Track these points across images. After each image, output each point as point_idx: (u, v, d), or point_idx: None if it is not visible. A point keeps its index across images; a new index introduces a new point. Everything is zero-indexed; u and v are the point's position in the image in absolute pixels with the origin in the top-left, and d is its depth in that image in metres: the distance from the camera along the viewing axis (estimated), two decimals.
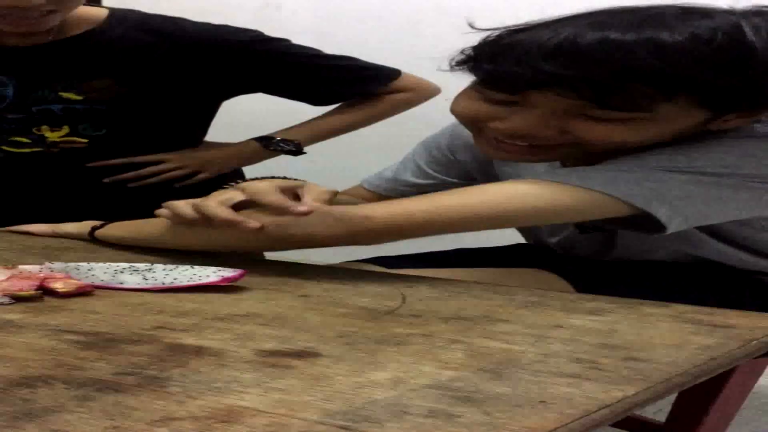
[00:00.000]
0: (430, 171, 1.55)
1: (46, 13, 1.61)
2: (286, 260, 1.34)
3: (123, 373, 0.76)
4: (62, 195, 1.78)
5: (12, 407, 0.66)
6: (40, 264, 1.15)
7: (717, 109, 1.19)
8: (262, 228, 1.17)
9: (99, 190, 1.80)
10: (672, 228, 1.19)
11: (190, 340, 0.87)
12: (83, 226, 1.45)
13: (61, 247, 1.37)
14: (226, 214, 1.17)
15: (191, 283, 1.08)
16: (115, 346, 0.84)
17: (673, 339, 0.91)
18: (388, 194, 1.55)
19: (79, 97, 1.73)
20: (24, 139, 1.73)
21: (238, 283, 1.10)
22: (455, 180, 1.54)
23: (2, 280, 1.06)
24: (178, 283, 1.08)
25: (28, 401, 0.68)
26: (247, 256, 1.44)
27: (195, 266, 1.12)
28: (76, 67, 1.73)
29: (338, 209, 1.19)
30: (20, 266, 1.13)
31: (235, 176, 1.85)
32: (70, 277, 1.09)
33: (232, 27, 1.84)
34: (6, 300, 1.00)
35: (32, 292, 1.02)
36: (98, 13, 1.78)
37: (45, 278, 1.07)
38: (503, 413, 0.67)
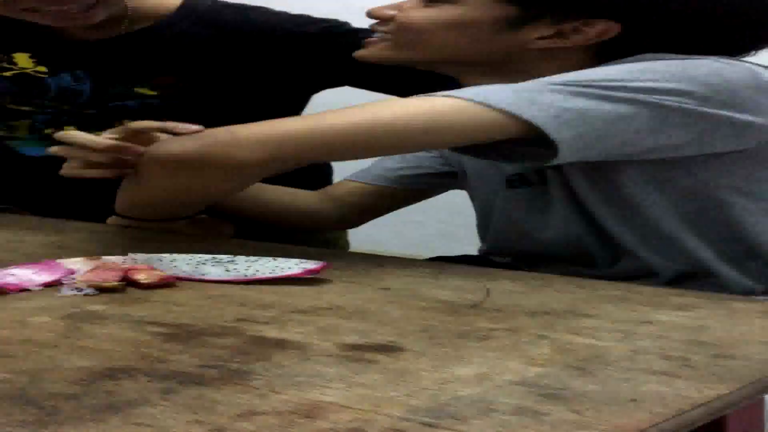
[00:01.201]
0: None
1: (87, 8, 1.60)
2: (366, 252, 1.33)
3: (206, 365, 0.75)
4: None
5: (96, 399, 0.66)
6: (124, 255, 1.16)
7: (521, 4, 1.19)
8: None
9: None
10: (565, 147, 1.13)
11: (272, 332, 0.86)
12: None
13: (143, 237, 1.38)
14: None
15: (273, 275, 1.08)
16: (197, 339, 0.84)
17: (764, 336, 0.88)
18: (376, 182, 1.53)
19: (153, 93, 1.71)
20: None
21: (319, 276, 1.09)
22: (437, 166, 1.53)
23: (87, 271, 1.07)
24: (259, 275, 1.08)
25: (112, 393, 0.68)
26: (328, 247, 1.44)
27: (277, 258, 1.12)
28: (145, 61, 1.71)
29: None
30: (104, 257, 1.14)
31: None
32: (153, 269, 1.09)
33: (308, 17, 1.78)
34: (90, 291, 1.01)
35: (115, 283, 1.03)
36: (170, 3, 1.75)
37: (128, 269, 1.07)
38: (592, 411, 0.65)
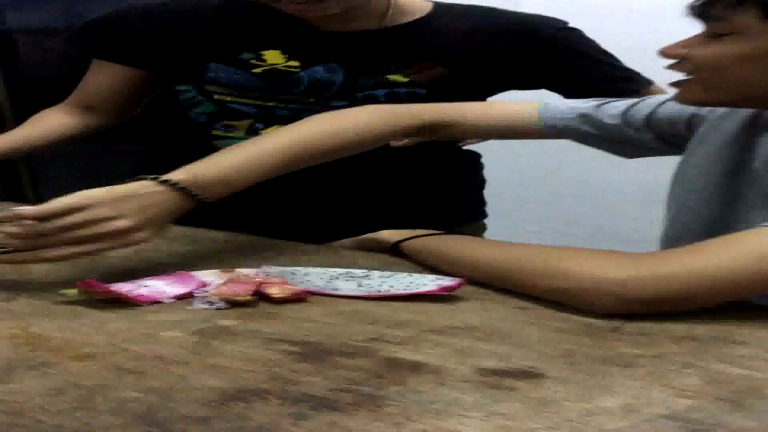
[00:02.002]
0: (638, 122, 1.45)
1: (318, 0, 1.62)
2: None
3: (339, 389, 0.73)
4: (362, 184, 1.75)
5: (227, 423, 0.64)
6: (257, 267, 1.14)
7: None
8: None
9: (397, 184, 1.78)
10: None
11: (406, 354, 0.83)
12: (391, 236, 1.37)
13: (274, 248, 1.37)
14: None
15: (407, 291, 1.05)
16: (329, 359, 0.81)
17: None
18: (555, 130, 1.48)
19: (405, 80, 1.71)
20: None
21: (454, 293, 1.06)
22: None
23: (219, 284, 1.06)
24: (393, 291, 1.05)
25: (243, 417, 0.66)
26: None
27: (413, 274, 1.09)
28: (404, 51, 1.73)
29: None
30: (237, 270, 1.13)
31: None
32: (285, 282, 1.07)
33: (542, 16, 1.81)
34: (221, 304, 1.00)
35: (248, 297, 1.01)
36: (424, 5, 1.79)
37: (261, 283, 1.06)
38: None
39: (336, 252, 1.36)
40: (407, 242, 1.31)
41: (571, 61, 1.79)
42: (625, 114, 1.43)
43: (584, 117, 1.45)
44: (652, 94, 1.76)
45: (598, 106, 1.45)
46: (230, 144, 1.63)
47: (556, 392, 0.74)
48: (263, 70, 1.69)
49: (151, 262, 1.23)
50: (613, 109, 1.43)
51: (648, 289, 0.98)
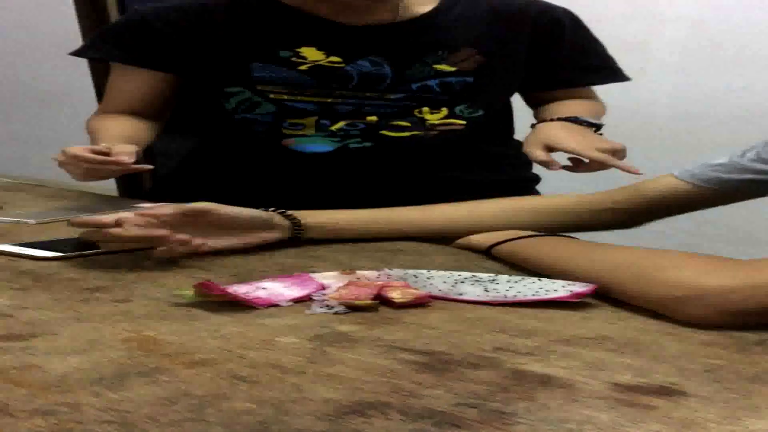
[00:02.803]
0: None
1: None
2: None
3: (463, 404, 0.68)
4: (425, 183, 1.72)
5: None
6: (378, 269, 1.10)
7: None
8: None
9: (461, 178, 1.74)
10: None
11: (535, 366, 0.78)
12: (484, 239, 1.33)
13: (394, 249, 1.33)
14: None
15: (536, 297, 0.99)
16: (453, 370, 0.76)
17: None
18: (700, 182, 1.39)
19: (453, 68, 1.71)
20: (404, 123, 1.70)
21: (585, 300, 1.00)
22: None
23: (340, 287, 1.02)
24: (521, 297, 1.00)
25: None
26: None
27: (543, 279, 1.04)
28: (441, 40, 1.73)
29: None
30: (358, 272, 1.09)
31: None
32: (407, 286, 1.03)
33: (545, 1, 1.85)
34: (341, 309, 0.96)
35: (369, 301, 0.97)
36: None
37: (382, 286, 1.02)
38: None
39: (458, 253, 1.32)
40: (500, 246, 1.26)
41: (574, 44, 1.82)
42: None
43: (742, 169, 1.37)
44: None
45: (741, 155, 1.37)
46: (302, 141, 1.69)
47: (699, 412, 0.68)
48: (309, 67, 1.69)
49: (270, 263, 1.20)
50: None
51: (747, 300, 0.90)
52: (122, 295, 1.02)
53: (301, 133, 1.69)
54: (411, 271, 1.08)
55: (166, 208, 1.22)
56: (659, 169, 1.42)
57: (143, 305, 0.98)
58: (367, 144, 1.68)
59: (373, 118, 1.68)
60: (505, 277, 1.06)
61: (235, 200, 1.30)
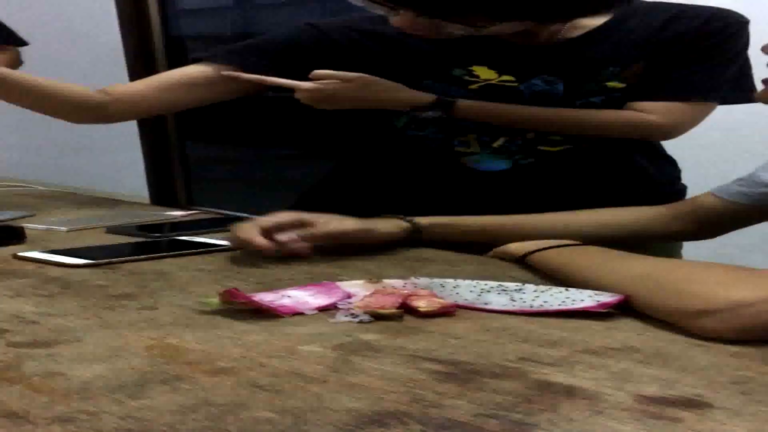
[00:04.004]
0: None
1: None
2: None
3: (485, 414, 0.67)
4: (579, 195, 1.72)
5: None
6: (405, 278, 1.10)
7: None
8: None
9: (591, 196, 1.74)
10: None
11: (559, 377, 0.77)
12: (519, 248, 1.33)
13: (422, 258, 1.32)
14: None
15: (562, 307, 0.98)
16: (476, 380, 0.76)
17: None
18: (741, 199, 1.38)
19: (622, 85, 1.68)
20: (556, 137, 1.69)
21: (612, 310, 0.99)
22: None
23: (366, 296, 1.02)
24: (547, 307, 0.99)
25: None
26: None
27: (569, 288, 1.02)
28: (617, 55, 1.69)
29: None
30: (385, 280, 1.08)
31: None
32: (433, 295, 1.02)
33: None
34: (365, 317, 0.95)
35: (393, 310, 0.97)
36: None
37: (408, 295, 1.01)
38: None
39: (485, 263, 1.31)
40: (533, 255, 1.25)
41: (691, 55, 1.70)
42: None
43: None
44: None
45: None
46: (478, 159, 1.70)
47: (726, 425, 0.67)
48: (480, 86, 1.67)
49: (297, 271, 1.20)
50: None
51: (761, 315, 0.87)
52: (148, 303, 1.02)
53: (470, 150, 1.69)
54: (437, 280, 1.08)
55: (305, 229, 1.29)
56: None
57: (168, 313, 0.98)
58: (531, 160, 1.68)
59: (531, 134, 1.67)
60: (532, 286, 1.05)
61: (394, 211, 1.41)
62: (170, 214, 1.73)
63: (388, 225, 1.36)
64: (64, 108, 1.74)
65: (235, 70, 1.71)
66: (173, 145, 3.95)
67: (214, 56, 1.75)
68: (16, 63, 2.91)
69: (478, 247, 1.40)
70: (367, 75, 1.64)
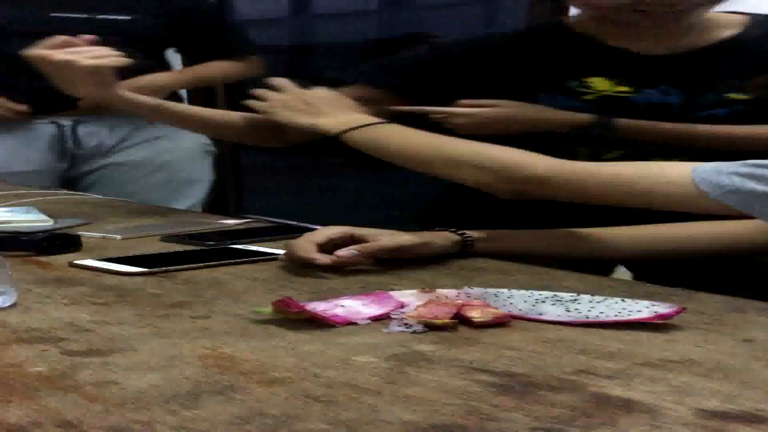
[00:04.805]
0: None
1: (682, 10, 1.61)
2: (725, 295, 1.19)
3: (542, 428, 0.67)
4: None
5: None
6: (457, 287, 1.09)
7: None
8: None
9: None
10: None
11: (617, 390, 0.76)
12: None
13: (476, 267, 1.31)
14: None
15: (619, 318, 0.97)
16: (532, 393, 0.75)
17: None
18: None
19: (745, 97, 1.64)
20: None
21: (671, 322, 0.97)
22: None
23: (418, 306, 1.01)
24: (603, 318, 0.97)
25: None
26: None
27: (626, 299, 1.01)
28: (740, 68, 1.66)
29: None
30: (438, 290, 1.08)
31: None
32: (487, 305, 1.01)
33: None
34: (419, 328, 0.94)
35: (447, 320, 0.96)
36: (733, 19, 1.71)
37: (462, 305, 1.00)
38: None
39: (540, 272, 1.29)
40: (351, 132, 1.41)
41: None
42: None
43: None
44: None
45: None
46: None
47: None
48: (595, 98, 1.66)
49: (349, 280, 1.19)
50: None
51: None
52: (202, 312, 1.02)
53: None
54: (491, 290, 1.07)
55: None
56: None
57: (222, 322, 0.98)
58: None
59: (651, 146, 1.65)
60: (587, 297, 1.03)
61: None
62: (224, 223, 1.73)
63: (440, 238, 1.36)
64: (229, 135, 1.91)
65: (383, 92, 1.75)
66: (226, 155, 3.98)
67: (355, 78, 1.79)
68: (258, 72, 2.80)
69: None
70: (516, 101, 1.67)
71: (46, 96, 2.27)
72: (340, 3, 4.52)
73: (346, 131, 1.42)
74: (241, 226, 1.69)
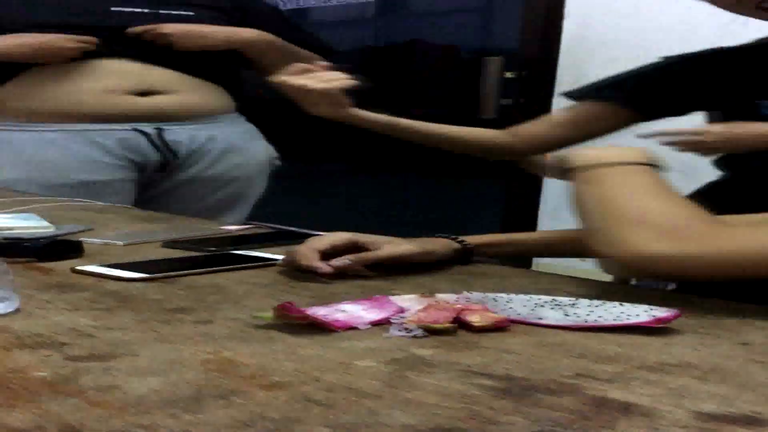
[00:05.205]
0: None
1: None
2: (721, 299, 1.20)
3: (541, 431, 0.67)
4: None
5: None
6: (457, 292, 1.09)
7: None
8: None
9: None
10: None
11: (615, 393, 0.76)
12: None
13: (476, 272, 1.32)
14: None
15: (617, 322, 0.98)
16: (532, 396, 0.75)
17: None
18: None
19: None
20: None
21: (669, 325, 0.98)
22: None
23: (418, 310, 1.02)
24: (602, 322, 0.98)
25: None
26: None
27: (624, 303, 1.02)
28: None
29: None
30: (438, 295, 1.08)
31: None
32: (486, 309, 1.02)
33: None
34: (419, 332, 0.95)
35: (447, 325, 0.97)
36: None
37: (461, 309, 1.01)
38: None
39: (538, 277, 1.30)
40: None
41: None
42: None
43: None
44: None
45: None
46: None
47: None
48: None
49: (350, 285, 1.20)
50: None
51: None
52: (204, 317, 1.03)
53: None
54: (490, 295, 1.07)
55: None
56: None
57: (224, 326, 0.98)
58: None
59: None
60: (586, 301, 1.04)
61: None
62: (225, 229, 1.74)
63: (440, 246, 1.36)
64: (473, 150, 1.90)
65: (630, 112, 1.79)
66: None
67: (582, 94, 1.85)
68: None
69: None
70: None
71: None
72: (337, 12, 4.52)
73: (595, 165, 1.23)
74: (242, 232, 1.70)
